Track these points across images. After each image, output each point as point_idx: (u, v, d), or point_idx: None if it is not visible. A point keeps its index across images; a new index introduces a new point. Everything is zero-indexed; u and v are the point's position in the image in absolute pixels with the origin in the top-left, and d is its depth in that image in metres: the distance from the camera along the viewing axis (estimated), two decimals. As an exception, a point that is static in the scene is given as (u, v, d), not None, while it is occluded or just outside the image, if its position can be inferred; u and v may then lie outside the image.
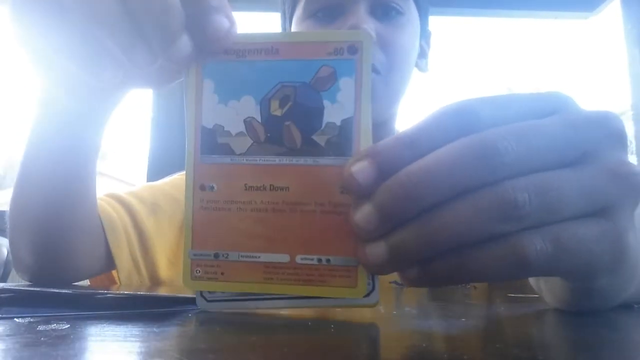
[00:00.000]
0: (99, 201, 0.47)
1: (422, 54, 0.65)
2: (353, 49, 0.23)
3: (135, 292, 0.33)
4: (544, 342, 0.20)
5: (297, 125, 0.23)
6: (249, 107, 0.24)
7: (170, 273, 0.54)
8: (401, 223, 0.20)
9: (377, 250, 0.20)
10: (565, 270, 0.21)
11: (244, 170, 0.23)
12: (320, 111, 0.23)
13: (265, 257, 0.23)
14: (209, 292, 0.25)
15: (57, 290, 0.30)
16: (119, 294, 0.34)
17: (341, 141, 0.23)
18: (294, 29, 0.60)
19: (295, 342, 0.19)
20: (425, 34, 0.64)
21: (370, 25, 0.53)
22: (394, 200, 0.20)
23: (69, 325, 0.20)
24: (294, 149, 0.23)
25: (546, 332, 0.24)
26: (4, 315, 0.22)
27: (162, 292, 0.39)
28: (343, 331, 0.22)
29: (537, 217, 0.19)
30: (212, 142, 0.24)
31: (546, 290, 0.29)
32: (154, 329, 0.20)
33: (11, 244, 0.45)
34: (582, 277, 0.23)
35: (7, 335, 0.18)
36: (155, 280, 0.52)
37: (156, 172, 1.10)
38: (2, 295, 0.29)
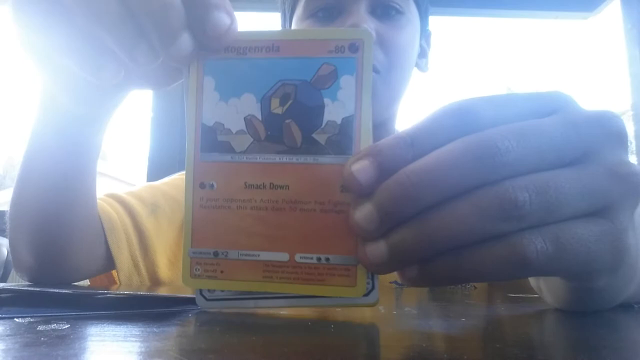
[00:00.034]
0: (99, 201, 0.47)
1: (422, 54, 0.65)
2: (354, 47, 0.23)
3: (135, 292, 0.33)
4: (544, 342, 0.20)
5: (297, 124, 0.23)
6: (249, 104, 0.24)
7: (170, 273, 0.54)
8: (401, 222, 0.20)
9: (377, 249, 0.20)
10: (565, 270, 0.21)
11: (244, 169, 0.23)
12: (320, 109, 0.23)
13: (264, 256, 0.23)
14: (209, 291, 0.25)
15: (57, 290, 0.30)
16: (119, 294, 0.34)
17: (341, 140, 0.23)
18: (294, 28, 0.60)
19: (295, 342, 0.19)
20: (425, 34, 0.64)
21: (370, 25, 0.53)
22: (394, 200, 0.20)
23: (69, 325, 0.20)
24: (294, 147, 0.23)
25: (546, 332, 0.24)
26: (4, 315, 0.22)
27: (162, 292, 0.39)
28: (343, 331, 0.22)
29: (537, 216, 0.19)
30: (213, 140, 0.24)
31: (546, 290, 0.29)
32: (154, 329, 0.20)
33: (11, 244, 0.45)
34: (582, 277, 0.23)
35: (7, 335, 0.18)
36: (155, 281, 0.52)
37: (156, 172, 1.10)
38: (2, 295, 0.29)
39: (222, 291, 0.25)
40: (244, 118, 0.24)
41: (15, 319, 0.21)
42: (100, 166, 0.43)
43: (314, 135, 0.23)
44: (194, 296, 0.25)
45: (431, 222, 0.20)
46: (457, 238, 0.20)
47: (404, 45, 0.57)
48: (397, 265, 0.21)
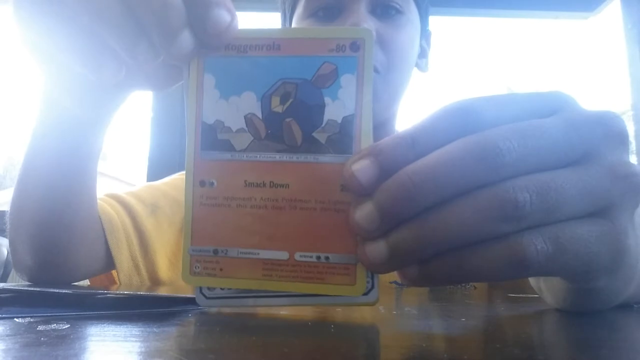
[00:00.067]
0: (99, 201, 0.47)
1: (422, 54, 0.65)
2: (355, 46, 0.23)
3: (135, 292, 0.33)
4: (544, 342, 0.20)
5: (297, 122, 0.23)
6: (249, 103, 0.24)
7: (170, 273, 0.54)
8: (402, 222, 0.20)
9: (378, 249, 0.20)
10: (565, 270, 0.21)
11: (244, 167, 0.23)
12: (321, 108, 0.23)
13: (264, 254, 0.23)
14: (208, 289, 0.25)
15: (57, 290, 0.30)
16: (119, 294, 0.34)
17: (342, 139, 0.23)
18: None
19: (295, 342, 0.19)
20: (425, 34, 0.64)
21: (370, 24, 0.53)
22: (395, 200, 0.20)
23: (69, 325, 0.20)
24: (295, 146, 0.23)
25: (546, 332, 0.24)
26: (4, 315, 0.22)
27: (162, 292, 0.39)
28: (343, 331, 0.22)
29: (538, 217, 0.19)
30: (213, 138, 0.24)
31: (546, 290, 0.29)
32: (154, 329, 0.20)
33: (11, 244, 0.45)
34: (581, 277, 0.23)
35: (7, 335, 0.18)
36: (155, 281, 0.52)
37: (156, 172, 1.10)
38: (2, 295, 0.29)
39: (222, 289, 0.25)
40: (244, 116, 0.24)
41: (15, 319, 0.21)
42: (100, 166, 0.43)
43: (315, 134, 0.23)
44: (194, 296, 0.25)
45: (431, 222, 0.20)
46: (457, 238, 0.20)
47: (404, 45, 0.57)
48: (397, 265, 0.21)
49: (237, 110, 0.24)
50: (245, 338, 0.19)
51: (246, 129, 0.23)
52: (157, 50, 0.24)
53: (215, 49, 0.24)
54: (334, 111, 0.23)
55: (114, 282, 0.55)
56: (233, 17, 0.23)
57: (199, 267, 0.24)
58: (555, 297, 0.28)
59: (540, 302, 0.32)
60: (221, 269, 0.24)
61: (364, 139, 0.23)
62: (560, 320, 0.26)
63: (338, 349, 0.18)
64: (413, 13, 0.59)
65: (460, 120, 0.20)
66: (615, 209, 0.21)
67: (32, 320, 0.21)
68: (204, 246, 0.24)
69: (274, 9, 0.69)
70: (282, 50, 0.23)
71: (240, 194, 0.23)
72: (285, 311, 0.26)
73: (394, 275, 0.22)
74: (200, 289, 0.25)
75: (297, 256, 0.23)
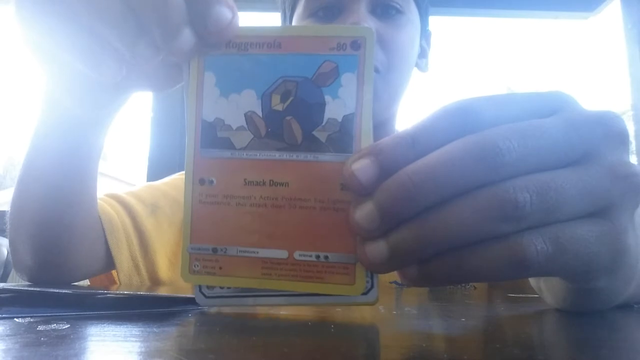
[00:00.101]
0: (99, 201, 0.47)
1: (423, 54, 0.65)
2: (356, 45, 0.23)
3: (135, 292, 0.33)
4: (544, 342, 0.20)
5: (298, 121, 0.23)
6: (250, 101, 0.23)
7: (170, 273, 0.54)
8: (402, 222, 0.20)
9: (377, 248, 0.20)
10: (565, 270, 0.21)
11: (244, 165, 0.23)
12: (321, 107, 0.23)
13: (263, 253, 0.23)
14: (208, 288, 0.25)
15: (57, 290, 0.30)
16: (119, 294, 0.34)
17: (342, 137, 0.23)
18: None
19: (295, 342, 0.19)
20: (425, 34, 0.64)
21: (370, 24, 0.53)
22: (395, 200, 0.20)
23: (69, 325, 0.20)
24: (295, 144, 0.23)
25: (546, 332, 0.24)
26: (4, 315, 0.22)
27: (162, 292, 0.39)
28: (343, 331, 0.22)
29: (538, 217, 0.19)
30: (212, 136, 0.24)
31: (546, 290, 0.29)
32: (154, 329, 0.20)
33: (11, 244, 0.45)
34: (581, 277, 0.23)
35: (7, 335, 0.18)
36: (155, 281, 0.52)
37: (156, 172, 1.10)
38: (2, 295, 0.29)
39: (222, 288, 0.24)
40: (245, 114, 0.23)
41: (15, 319, 0.21)
42: (101, 166, 0.43)
43: (315, 133, 0.23)
44: (194, 296, 0.25)
45: (431, 222, 0.20)
46: (457, 238, 0.20)
47: (404, 44, 0.57)
48: (397, 265, 0.21)
49: (237, 108, 0.24)
50: (245, 338, 0.19)
51: (246, 127, 0.23)
52: (158, 48, 0.24)
53: (216, 46, 0.24)
54: (334, 110, 0.23)
55: (114, 282, 0.55)
56: (234, 14, 0.23)
57: (198, 266, 0.24)
58: (555, 297, 0.28)
59: (540, 302, 0.32)
60: (220, 268, 0.24)
61: (364, 138, 0.23)
62: (560, 320, 0.26)
63: (338, 349, 0.18)
64: (413, 13, 0.59)
65: (460, 120, 0.20)
66: (615, 209, 0.21)
67: (32, 320, 0.21)
68: (204, 244, 0.24)
69: (274, 9, 0.69)
70: (283, 48, 0.23)
71: (239, 192, 0.23)
72: (285, 311, 0.26)
73: (394, 275, 0.22)
74: (200, 288, 0.25)
75: (297, 255, 0.23)
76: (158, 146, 1.16)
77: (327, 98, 0.23)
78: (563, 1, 1.39)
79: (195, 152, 0.24)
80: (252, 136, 0.23)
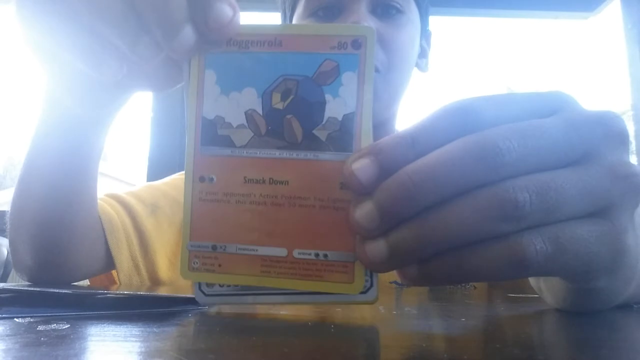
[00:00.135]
0: (99, 201, 0.47)
1: (423, 54, 0.65)
2: (357, 44, 0.23)
3: (135, 292, 0.33)
4: (544, 342, 0.20)
5: (298, 119, 0.23)
6: (250, 99, 0.23)
7: (170, 273, 0.54)
8: (402, 221, 0.20)
9: (377, 248, 0.20)
10: (564, 270, 0.21)
11: (244, 163, 0.23)
12: (321, 105, 0.23)
13: (262, 251, 0.23)
14: (207, 286, 0.25)
15: (57, 290, 0.30)
16: (119, 294, 0.34)
17: (342, 136, 0.23)
18: None
19: (295, 342, 0.19)
20: (425, 34, 0.64)
21: (370, 24, 0.53)
22: (395, 200, 0.20)
23: (69, 325, 0.20)
24: (295, 143, 0.23)
25: (546, 332, 0.24)
26: (4, 315, 0.22)
27: (162, 292, 0.39)
28: (343, 331, 0.22)
29: (537, 217, 0.19)
30: (213, 134, 0.24)
31: (546, 290, 0.29)
32: (154, 329, 0.20)
33: (11, 244, 0.45)
34: (581, 277, 0.23)
35: (7, 335, 0.18)
36: (155, 281, 0.52)
37: (156, 172, 1.10)
38: (2, 295, 0.29)
39: (221, 287, 0.24)
40: (245, 112, 0.23)
41: (15, 319, 0.21)
42: (101, 166, 0.43)
43: (315, 132, 0.23)
44: (194, 296, 0.25)
45: (431, 222, 0.20)
46: (457, 238, 0.20)
47: (404, 44, 0.57)
48: (396, 264, 0.21)
49: (238, 106, 0.24)
50: (245, 338, 0.19)
51: (246, 125, 0.23)
52: (159, 46, 0.24)
53: (217, 44, 0.24)
54: (334, 109, 0.23)
55: (114, 282, 0.55)
56: (235, 12, 0.23)
57: (197, 263, 0.24)
58: (555, 297, 0.28)
59: (540, 302, 0.32)
60: (220, 265, 0.24)
61: (364, 137, 0.23)
62: (560, 320, 0.26)
63: (338, 349, 0.18)
64: (413, 13, 0.59)
65: (460, 120, 0.20)
66: (615, 209, 0.21)
67: (32, 320, 0.21)
68: (203, 242, 0.24)
69: (274, 9, 0.69)
70: (284, 47, 0.23)
71: (239, 190, 0.23)
72: (285, 311, 0.26)
73: (393, 275, 0.22)
74: (199, 286, 0.25)
75: (296, 253, 0.23)
76: (158, 146, 1.16)
77: (328, 97, 0.23)
78: (563, 1, 1.39)
79: (196, 150, 0.24)
80: (253, 134, 0.23)
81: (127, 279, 0.50)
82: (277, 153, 0.23)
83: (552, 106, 0.22)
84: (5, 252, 1.15)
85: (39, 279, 0.44)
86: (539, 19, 1.49)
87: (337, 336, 0.20)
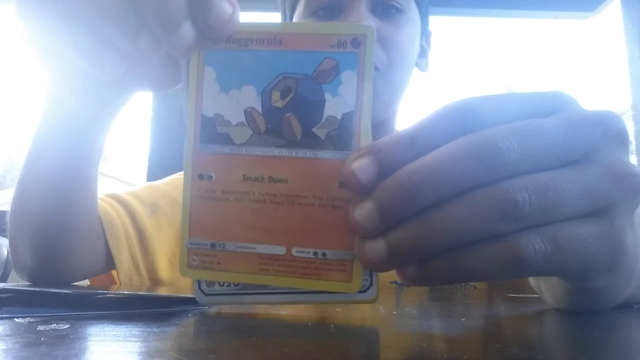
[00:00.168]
0: (99, 201, 0.47)
1: (423, 54, 0.65)
2: (356, 43, 0.23)
3: (135, 292, 0.33)
4: (544, 342, 0.20)
5: (297, 118, 0.23)
6: (250, 97, 0.23)
7: (170, 273, 0.54)
8: (401, 221, 0.20)
9: (376, 247, 0.20)
10: (563, 270, 0.21)
11: (243, 161, 0.23)
12: (321, 104, 0.23)
13: (261, 249, 0.23)
14: (207, 286, 0.25)
15: (57, 290, 0.30)
16: (119, 294, 0.34)
17: (341, 135, 0.23)
18: None
19: (295, 342, 0.19)
20: (425, 34, 0.64)
21: (370, 23, 0.53)
22: (394, 199, 0.20)
23: (69, 325, 0.20)
24: (294, 141, 0.23)
25: (546, 332, 0.24)
26: (4, 315, 0.22)
27: (162, 292, 0.39)
28: (343, 331, 0.22)
29: (536, 217, 0.19)
30: (212, 131, 0.24)
31: (546, 290, 0.29)
32: (154, 329, 0.20)
33: (12, 244, 0.45)
34: (580, 277, 0.23)
35: (7, 335, 0.18)
36: (155, 281, 0.52)
37: (156, 172, 1.10)
38: (2, 295, 0.29)
39: (221, 286, 0.24)
40: (244, 110, 0.23)
41: (15, 319, 0.21)
42: (101, 167, 0.43)
43: (314, 130, 0.23)
44: (194, 296, 0.25)
45: (430, 222, 0.20)
46: (456, 237, 0.20)
47: (404, 43, 0.57)
48: (396, 264, 0.21)
49: (237, 104, 0.24)
50: (245, 338, 0.19)
51: (246, 123, 0.23)
52: (159, 43, 0.24)
53: (217, 41, 0.24)
54: (334, 107, 0.23)
55: (114, 282, 0.55)
56: (235, 9, 0.23)
57: (196, 260, 0.24)
58: (555, 296, 0.28)
59: (540, 302, 0.32)
60: (219, 263, 0.24)
61: (363, 136, 0.23)
62: (560, 320, 0.26)
63: (338, 349, 0.18)
64: (413, 12, 0.59)
65: (459, 120, 0.20)
66: (614, 209, 0.21)
67: (32, 320, 0.21)
68: (202, 239, 0.24)
69: (274, 9, 0.69)
70: (284, 45, 0.23)
71: (238, 188, 0.23)
72: (285, 311, 0.26)
73: (394, 275, 0.22)
74: (199, 286, 0.25)
75: (294, 251, 0.23)
76: (158, 146, 1.16)
77: (327, 95, 0.23)
78: (563, 1, 1.39)
79: (195, 148, 0.24)
80: (252, 132, 0.23)
81: (127, 279, 0.50)
82: (276, 151, 0.23)
83: (551, 106, 0.22)
84: (5, 252, 1.15)
85: (39, 279, 0.44)
86: (539, 19, 1.49)
87: (337, 336, 0.20)
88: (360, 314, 0.27)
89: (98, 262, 0.49)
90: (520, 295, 0.39)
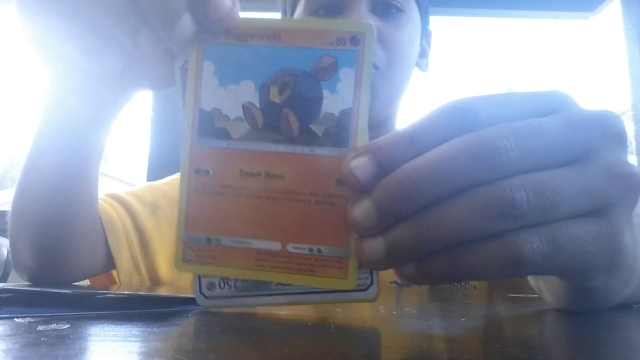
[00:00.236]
0: (99, 201, 0.47)
1: (423, 54, 0.65)
2: (355, 40, 0.23)
3: (135, 292, 0.33)
4: (544, 342, 0.20)
5: (295, 114, 0.23)
6: (248, 92, 0.23)
7: (170, 273, 0.54)
8: (399, 220, 0.20)
9: (375, 246, 0.20)
10: (561, 269, 0.21)
11: (240, 156, 0.23)
12: (319, 100, 0.23)
13: (257, 244, 0.23)
14: (208, 289, 0.25)
15: (57, 290, 0.30)
16: (119, 294, 0.34)
17: (338, 132, 0.23)
18: None
19: (295, 342, 0.19)
20: (425, 34, 0.64)
21: (370, 22, 0.53)
22: (393, 198, 0.20)
23: (69, 325, 0.20)
24: (291, 137, 0.23)
25: (546, 332, 0.24)
26: (4, 315, 0.22)
27: (162, 292, 0.39)
28: (343, 331, 0.22)
29: (534, 216, 0.19)
30: (210, 126, 0.24)
31: (545, 289, 0.29)
32: (154, 329, 0.20)
33: (12, 244, 0.45)
34: (578, 276, 0.23)
35: (7, 335, 0.18)
36: (155, 281, 0.52)
37: (156, 172, 1.10)
38: (2, 295, 0.29)
39: (222, 289, 0.24)
40: (242, 105, 0.23)
41: (15, 319, 0.21)
42: (101, 166, 0.43)
43: (312, 126, 0.23)
44: (194, 296, 0.25)
45: (429, 221, 0.20)
46: (454, 236, 0.20)
47: (404, 43, 0.57)
48: (394, 262, 0.21)
49: (235, 98, 0.24)
50: (245, 338, 0.19)
51: (243, 118, 0.23)
52: (159, 38, 0.24)
53: (216, 34, 0.24)
54: (331, 104, 0.23)
55: (114, 282, 0.55)
56: (234, 3, 0.23)
57: (192, 255, 0.24)
58: (554, 296, 0.28)
59: (540, 302, 0.32)
60: (214, 257, 0.24)
61: (360, 134, 0.23)
62: (560, 320, 0.26)
63: (338, 349, 0.18)
64: (414, 12, 0.59)
65: (458, 119, 0.21)
66: (612, 208, 0.21)
67: (32, 320, 0.21)
68: (198, 234, 0.24)
69: (274, 9, 0.69)
70: (283, 41, 0.23)
71: (235, 182, 0.23)
72: (285, 311, 0.26)
73: (393, 275, 0.22)
74: (200, 289, 0.25)
75: (290, 247, 0.23)
76: (158, 146, 1.16)
77: (325, 92, 0.23)
78: (563, 1, 1.39)
79: (192, 142, 0.24)
80: (249, 127, 0.23)
81: (127, 279, 0.50)
82: (273, 147, 0.23)
83: (550, 106, 0.22)
84: (5, 252, 1.15)
85: (39, 279, 0.44)
86: (539, 19, 1.49)
87: (337, 336, 0.20)
88: (360, 314, 0.27)
89: (98, 262, 0.49)
90: (520, 295, 0.39)
